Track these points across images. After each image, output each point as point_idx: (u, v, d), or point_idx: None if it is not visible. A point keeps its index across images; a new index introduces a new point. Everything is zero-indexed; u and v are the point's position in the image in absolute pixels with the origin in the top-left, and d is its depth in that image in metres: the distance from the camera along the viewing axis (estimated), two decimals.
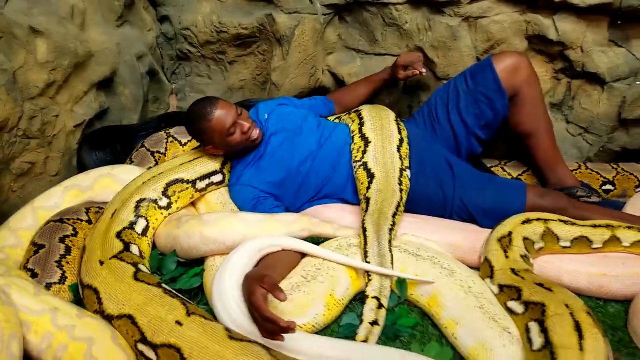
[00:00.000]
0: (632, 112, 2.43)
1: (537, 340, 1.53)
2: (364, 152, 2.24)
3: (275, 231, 1.95)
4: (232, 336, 1.57)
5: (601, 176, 2.55)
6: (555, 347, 1.46)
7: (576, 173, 2.55)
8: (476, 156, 2.53)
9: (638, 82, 2.38)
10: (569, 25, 2.41)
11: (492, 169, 2.61)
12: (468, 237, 2.11)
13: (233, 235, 1.91)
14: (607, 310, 1.91)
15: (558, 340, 1.47)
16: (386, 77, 2.58)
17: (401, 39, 2.70)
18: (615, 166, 2.58)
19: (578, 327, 1.49)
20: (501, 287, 1.80)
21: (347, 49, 2.90)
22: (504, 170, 2.62)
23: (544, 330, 1.53)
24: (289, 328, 1.50)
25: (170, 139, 2.65)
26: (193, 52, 3.14)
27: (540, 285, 1.72)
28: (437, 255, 1.94)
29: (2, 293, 1.59)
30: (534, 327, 1.57)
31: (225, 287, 1.72)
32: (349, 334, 1.75)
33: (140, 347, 1.62)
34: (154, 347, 1.59)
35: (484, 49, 2.54)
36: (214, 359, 1.49)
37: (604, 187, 2.55)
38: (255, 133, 2.22)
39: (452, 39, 2.53)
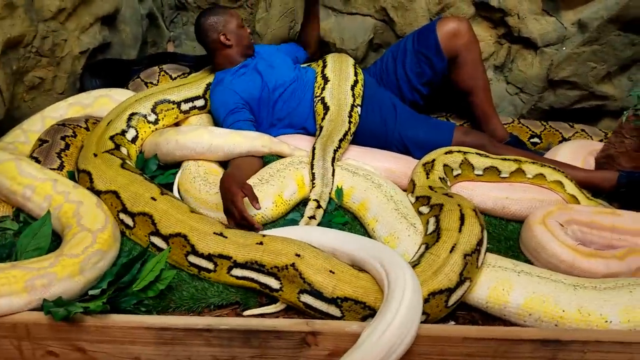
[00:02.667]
0: (557, 74, 2.84)
1: (431, 228, 1.95)
2: (323, 89, 2.66)
3: (240, 144, 2.36)
4: (193, 211, 2.00)
5: (530, 130, 2.96)
6: (441, 230, 1.87)
7: (509, 126, 2.96)
8: (420, 108, 2.92)
9: (564, 48, 2.78)
10: None
11: (439, 119, 3.01)
12: (401, 164, 2.51)
13: (201, 143, 2.34)
14: (507, 227, 2.32)
15: (444, 225, 1.88)
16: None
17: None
18: (544, 123, 2.99)
19: (462, 218, 1.90)
20: (417, 198, 2.21)
21: (324, 6, 3.27)
22: (448, 120, 3.02)
23: (437, 221, 1.94)
24: (257, 229, 1.92)
25: (162, 73, 3.05)
26: (190, 1, 3.52)
27: (446, 194, 2.13)
28: (370, 174, 2.36)
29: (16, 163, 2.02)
30: (432, 220, 1.98)
31: None
32: (290, 224, 2.18)
33: (122, 215, 2.05)
34: (132, 215, 2.02)
35: (436, 10, 2.93)
36: (176, 223, 1.92)
37: (531, 140, 2.96)
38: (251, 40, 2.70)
39: (409, 1, 2.93)
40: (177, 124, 2.70)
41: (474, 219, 1.89)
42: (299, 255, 1.75)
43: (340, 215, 2.27)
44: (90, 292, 1.68)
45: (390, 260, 1.69)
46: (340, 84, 2.65)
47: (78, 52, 2.83)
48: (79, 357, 1.60)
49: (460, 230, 1.84)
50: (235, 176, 2.07)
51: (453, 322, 1.82)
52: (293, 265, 1.73)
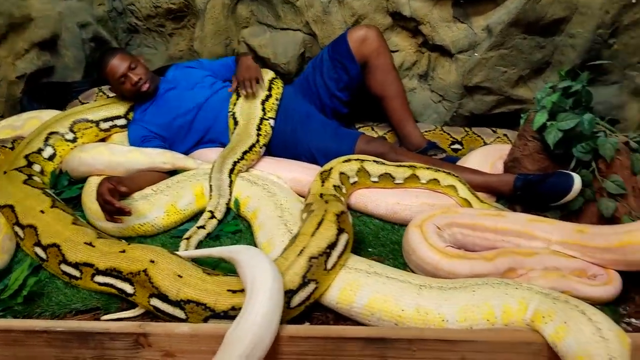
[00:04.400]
0: (471, 80, 2.87)
1: (296, 231, 2.02)
2: (235, 105, 2.77)
3: (139, 160, 2.50)
4: (76, 223, 2.12)
5: (451, 137, 3.00)
6: (298, 234, 1.95)
7: (431, 133, 3.00)
8: (345, 117, 3.00)
9: (476, 54, 2.81)
10: (419, 3, 2.85)
11: (362, 129, 3.08)
12: (307, 173, 2.59)
13: (101, 160, 2.49)
14: (398, 232, 2.37)
15: (302, 230, 1.95)
16: None
17: (296, 14, 3.19)
18: (467, 129, 3.02)
19: (320, 222, 1.96)
20: (305, 205, 2.28)
21: (259, 23, 3.39)
22: (373, 130, 3.09)
23: (302, 226, 2.01)
24: (122, 208, 2.05)
25: (100, 93, 3.21)
26: (140, 25, 3.69)
27: (327, 201, 2.19)
28: (269, 184, 2.45)
29: None
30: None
31: None
32: (181, 233, 2.28)
33: (16, 228, 2.20)
34: (22, 227, 2.16)
35: (351, 22, 3.00)
36: (54, 234, 2.06)
37: (452, 146, 2.99)
38: (145, 86, 2.75)
39: (325, 14, 3.01)
40: (102, 141, 2.84)
41: (332, 223, 1.94)
42: (153, 262, 1.86)
43: (234, 225, 2.36)
44: None
45: (253, 257, 1.76)
46: (251, 99, 2.75)
47: (14, 77, 3.01)
48: None
49: (313, 234, 1.91)
50: (112, 177, 2.19)
51: (308, 323, 1.88)
52: (145, 271, 1.83)
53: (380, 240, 2.31)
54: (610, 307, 1.97)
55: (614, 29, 2.66)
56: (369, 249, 2.26)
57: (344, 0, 2.96)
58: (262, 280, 1.63)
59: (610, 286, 1.97)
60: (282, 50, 3.27)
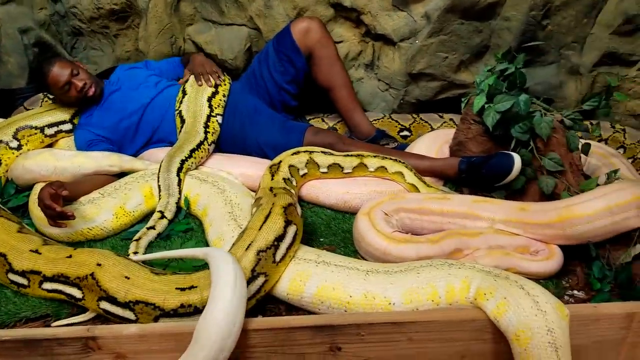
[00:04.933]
0: (414, 67, 2.92)
1: (244, 227, 2.04)
2: (181, 103, 2.76)
3: (84, 165, 2.48)
4: (21, 231, 2.10)
5: (399, 124, 3.05)
6: (246, 228, 1.96)
7: (379, 122, 3.04)
8: (295, 110, 3.02)
9: (417, 42, 2.86)
10: None
11: (313, 121, 3.11)
12: (256, 167, 2.61)
13: (46, 166, 2.46)
14: (349, 220, 2.40)
15: (249, 225, 1.96)
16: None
17: (239, 9, 3.19)
18: (415, 116, 3.08)
19: (268, 216, 1.98)
20: (255, 200, 2.29)
21: (204, 20, 3.39)
22: (323, 121, 3.12)
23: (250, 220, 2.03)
24: (64, 212, 2.04)
25: (45, 99, 3.17)
26: (84, 27, 3.64)
27: (275, 195, 2.20)
28: (218, 180, 2.45)
29: None
30: None
31: None
32: (131, 235, 2.28)
33: None
34: None
35: (293, 15, 3.02)
36: (0, 243, 2.02)
37: (401, 133, 3.05)
38: (91, 90, 2.72)
39: (267, 8, 3.03)
40: (49, 146, 2.81)
41: (279, 216, 1.96)
42: (99, 265, 1.85)
43: (185, 224, 2.37)
44: None
45: (214, 252, 1.77)
46: (197, 96, 2.75)
47: None
48: None
49: (260, 227, 1.92)
50: (52, 182, 2.17)
51: (260, 316, 1.90)
52: (92, 274, 1.83)
53: (332, 230, 2.34)
54: (553, 280, 2.06)
55: (547, 10, 2.74)
56: (321, 239, 2.29)
57: None
58: (225, 277, 1.64)
59: (552, 260, 2.05)
60: (228, 46, 3.28)
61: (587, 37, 2.85)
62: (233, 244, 1.94)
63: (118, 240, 2.31)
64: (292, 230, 1.97)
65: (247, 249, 1.86)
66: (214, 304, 1.59)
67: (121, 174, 2.57)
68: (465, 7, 2.69)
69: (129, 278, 1.81)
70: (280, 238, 1.91)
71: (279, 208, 2.02)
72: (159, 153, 2.77)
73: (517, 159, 2.25)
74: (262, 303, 1.91)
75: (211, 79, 2.76)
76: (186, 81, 2.83)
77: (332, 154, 2.51)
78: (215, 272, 1.68)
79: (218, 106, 2.78)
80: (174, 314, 1.74)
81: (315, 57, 2.82)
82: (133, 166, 2.56)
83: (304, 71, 2.85)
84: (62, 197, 2.11)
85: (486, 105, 2.32)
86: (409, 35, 2.88)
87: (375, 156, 2.50)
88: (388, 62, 3.03)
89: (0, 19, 3.17)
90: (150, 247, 2.23)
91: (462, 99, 2.51)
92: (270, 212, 1.99)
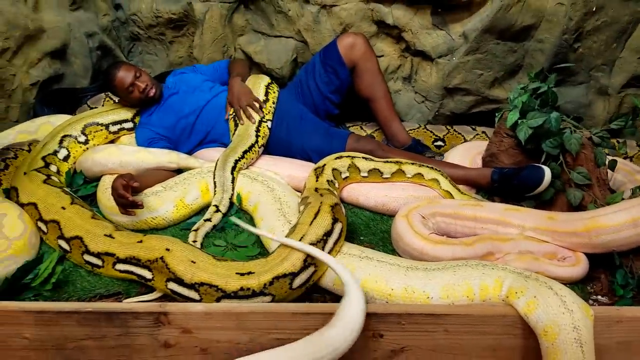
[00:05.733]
0: (450, 82, 3.12)
1: (294, 222, 2.25)
2: None
3: (146, 159, 2.72)
4: (95, 217, 2.34)
5: (434, 134, 3.24)
6: (297, 223, 2.17)
7: (415, 131, 3.24)
8: (336, 118, 3.23)
9: (454, 58, 3.05)
10: (401, 12, 3.10)
11: (352, 128, 3.32)
12: (302, 170, 2.81)
13: (112, 160, 2.71)
14: (387, 222, 2.60)
15: (301, 220, 2.17)
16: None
17: (288, 23, 3.42)
18: (449, 127, 3.27)
19: (317, 213, 2.18)
20: (302, 199, 2.50)
21: (254, 31, 3.63)
22: (362, 129, 3.33)
23: (300, 216, 2.24)
24: (135, 201, 2.27)
25: (107, 99, 3.42)
26: (141, 33, 3.90)
27: (322, 194, 2.41)
28: (267, 179, 2.67)
29: None
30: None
31: None
32: (190, 226, 2.51)
33: (39, 224, 2.41)
34: (46, 222, 2.37)
35: (339, 30, 3.24)
36: (76, 227, 2.27)
37: (435, 143, 3.24)
38: (152, 91, 2.96)
39: (315, 23, 3.25)
40: (112, 142, 3.06)
41: (327, 214, 2.17)
42: (168, 250, 2.08)
43: (237, 217, 2.57)
44: None
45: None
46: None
47: (28, 84, 3.22)
48: None
49: (311, 223, 2.13)
50: (124, 174, 2.39)
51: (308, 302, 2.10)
52: (162, 258, 2.05)
53: (371, 230, 2.54)
54: (578, 285, 2.19)
55: (578, 35, 2.92)
56: (361, 238, 2.49)
57: (332, 10, 3.19)
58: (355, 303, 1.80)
59: (578, 267, 2.19)
60: (276, 57, 3.50)
61: (616, 60, 3.02)
62: (286, 236, 2.15)
63: (177, 230, 2.54)
64: (338, 227, 2.17)
65: (299, 241, 2.06)
66: (350, 308, 1.77)
67: (178, 170, 2.79)
68: (502, 28, 2.88)
69: (194, 262, 2.03)
70: (328, 233, 2.11)
71: (327, 206, 2.22)
72: (212, 152, 2.99)
73: (547, 172, 2.42)
74: (309, 292, 2.11)
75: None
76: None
77: (373, 160, 2.71)
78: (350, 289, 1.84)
79: (268, 112, 3.00)
80: (234, 295, 1.95)
81: (358, 70, 3.02)
82: (188, 163, 2.78)
83: (347, 82, 3.06)
84: (132, 188, 2.35)
85: (519, 121, 2.49)
86: (447, 52, 3.08)
87: (412, 163, 2.69)
88: (425, 76, 3.23)
89: (71, 24, 3.43)
90: (206, 237, 2.44)
91: (496, 114, 2.69)
92: (319, 210, 2.20)
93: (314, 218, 2.15)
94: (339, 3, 3.17)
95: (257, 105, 2.95)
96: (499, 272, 1.99)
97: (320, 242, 2.07)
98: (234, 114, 2.97)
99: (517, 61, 3.03)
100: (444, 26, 3.06)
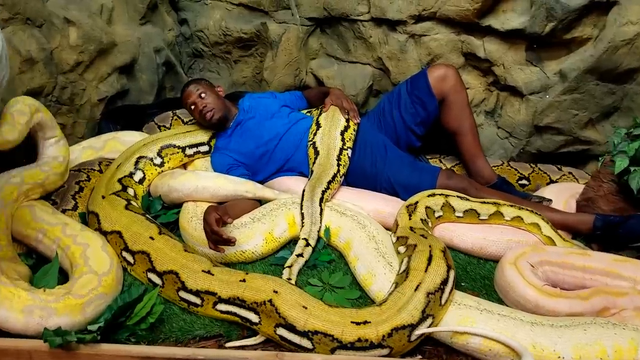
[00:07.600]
0: (542, 120, 2.99)
1: (403, 267, 2.11)
2: (315, 134, 2.86)
3: (224, 186, 2.58)
4: (186, 249, 2.20)
5: (518, 172, 3.11)
6: (409, 269, 2.03)
7: (498, 169, 3.11)
8: (417, 150, 3.11)
9: (547, 96, 2.93)
10: (494, 46, 2.99)
11: (431, 161, 3.18)
12: (389, 205, 2.68)
13: (189, 186, 2.58)
14: (485, 266, 2.46)
15: (413, 265, 2.04)
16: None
17: (367, 49, 3.31)
18: (533, 165, 3.13)
19: (430, 258, 2.05)
20: (398, 238, 2.37)
21: (327, 55, 3.51)
22: (441, 162, 3.20)
23: (409, 260, 2.10)
24: (229, 239, 2.13)
25: (175, 117, 3.30)
26: (205, 50, 3.79)
27: (423, 235, 2.28)
28: (356, 214, 2.53)
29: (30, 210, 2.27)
30: (405, 260, 2.14)
31: None
32: (280, 261, 2.36)
33: (124, 254, 2.27)
34: (132, 253, 2.23)
35: (426, 61, 3.13)
36: (170, 261, 2.13)
37: (520, 182, 3.10)
38: (209, 114, 2.83)
39: (401, 52, 3.14)
40: (184, 166, 2.93)
41: (441, 260, 2.04)
42: (276, 292, 1.93)
43: (327, 254, 2.44)
44: (89, 327, 1.86)
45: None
46: (330, 129, 2.85)
47: (96, 99, 3.10)
48: None
49: (426, 270, 2.00)
50: (217, 206, 2.28)
51: (420, 356, 1.96)
52: (270, 301, 1.91)
53: (470, 275, 2.40)
54: None
55: None
56: (462, 283, 2.35)
57: (421, 40, 3.08)
58: None
59: None
60: (351, 82, 3.39)
61: None
62: (396, 283, 2.01)
63: (267, 265, 2.39)
64: (452, 274, 2.04)
65: (415, 289, 1.93)
66: None
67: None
68: (605, 70, 2.77)
69: (306, 308, 1.89)
70: (445, 282, 1.98)
71: (439, 251, 2.09)
72: (288, 181, 2.86)
73: None
74: (420, 344, 1.96)
75: (353, 116, 2.86)
76: (323, 111, 2.91)
77: (469, 200, 2.57)
78: None
79: (349, 140, 2.87)
80: (351, 347, 1.81)
81: (447, 102, 2.90)
82: (264, 194, 2.64)
83: (434, 115, 2.93)
84: (224, 223, 2.21)
85: (632, 169, 2.36)
86: (539, 90, 2.96)
87: (511, 205, 2.56)
88: (513, 112, 3.10)
89: (140, 38, 3.32)
90: (299, 275, 2.30)
91: (600, 158, 2.57)
92: (431, 255, 2.07)
93: (428, 264, 2.02)
94: (430, 33, 3.06)
95: (356, 111, 2.91)
96: (632, 332, 1.88)
97: (438, 291, 1.93)
98: (313, 140, 2.83)
99: (614, 103, 2.91)
100: (538, 62, 2.95)
